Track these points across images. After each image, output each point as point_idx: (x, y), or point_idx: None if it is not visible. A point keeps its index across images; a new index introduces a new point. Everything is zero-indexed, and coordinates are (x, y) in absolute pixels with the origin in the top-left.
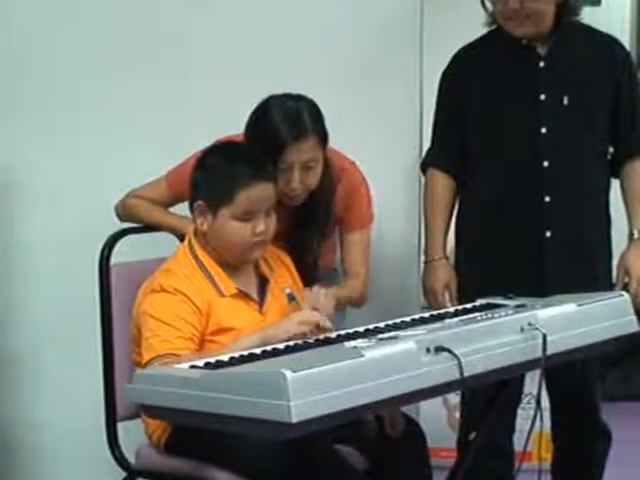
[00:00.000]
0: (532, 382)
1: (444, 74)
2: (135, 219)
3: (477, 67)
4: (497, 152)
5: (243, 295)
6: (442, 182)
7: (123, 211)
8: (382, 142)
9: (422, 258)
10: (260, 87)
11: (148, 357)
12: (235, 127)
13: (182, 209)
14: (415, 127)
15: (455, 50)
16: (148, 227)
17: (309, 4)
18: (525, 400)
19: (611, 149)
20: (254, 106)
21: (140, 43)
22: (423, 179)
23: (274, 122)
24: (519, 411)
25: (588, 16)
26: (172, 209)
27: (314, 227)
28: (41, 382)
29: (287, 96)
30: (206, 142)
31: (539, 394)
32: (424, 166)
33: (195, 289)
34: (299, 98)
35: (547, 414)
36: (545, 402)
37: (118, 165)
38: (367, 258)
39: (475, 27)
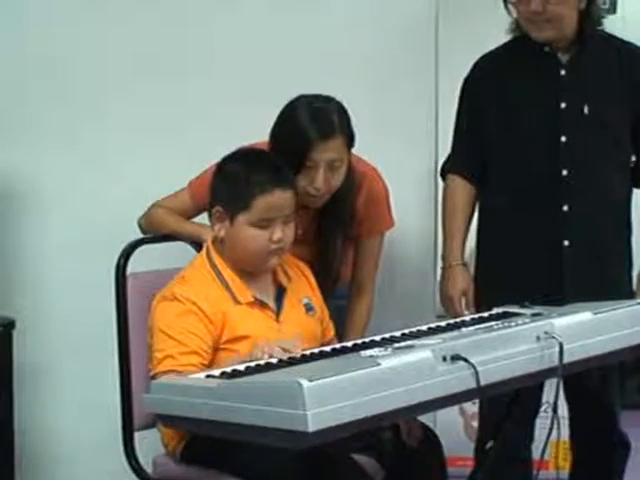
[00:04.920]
0: (551, 390)
1: (465, 81)
2: (154, 228)
3: (498, 74)
4: (516, 160)
5: (259, 303)
6: (462, 188)
7: (145, 222)
8: (398, 147)
9: (439, 265)
10: (275, 92)
11: (153, 372)
12: (258, 130)
13: (203, 219)
14: (431, 132)
15: (470, 55)
16: (165, 237)
17: (323, 10)
18: (543, 409)
19: (634, 158)
20: (270, 110)
21: (157, 45)
22: (440, 184)
23: (302, 119)
24: (537, 420)
25: (604, 24)
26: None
27: (338, 228)
28: (57, 392)
29: (316, 96)
30: (230, 149)
31: (556, 403)
32: (444, 172)
33: (209, 298)
34: (328, 99)
35: (566, 422)
36: (564, 411)
37: (135, 172)
38: (377, 269)
39: (490, 32)
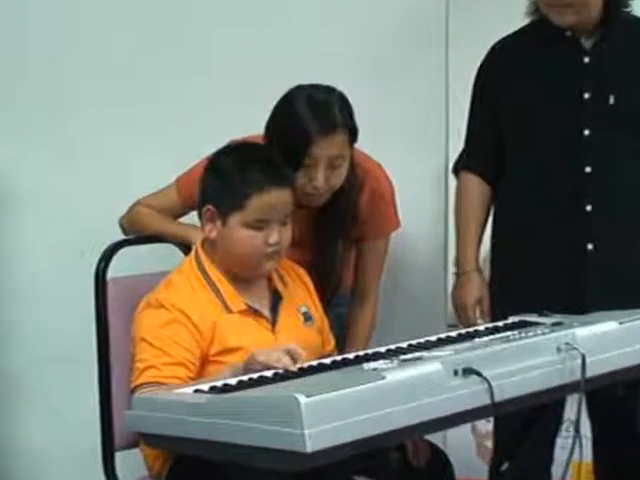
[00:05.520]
0: (573, 407)
1: (479, 69)
2: (138, 229)
3: (515, 61)
4: (534, 155)
5: (253, 312)
6: (476, 187)
7: (127, 221)
8: (407, 144)
9: (450, 270)
10: (280, 88)
11: (132, 384)
12: (248, 128)
13: (193, 220)
14: (441, 128)
15: (482, 47)
16: (150, 238)
17: (328, 4)
18: (564, 427)
19: None
20: (266, 107)
21: (144, 42)
22: (452, 183)
23: (300, 113)
24: (558, 439)
25: (631, 6)
26: (182, 219)
27: (339, 230)
28: (34, 405)
29: (315, 86)
30: (217, 146)
31: (578, 421)
32: (456, 169)
33: (197, 305)
34: (329, 90)
35: (589, 443)
36: (587, 430)
37: (117, 171)
38: (381, 274)
39: (502, 24)
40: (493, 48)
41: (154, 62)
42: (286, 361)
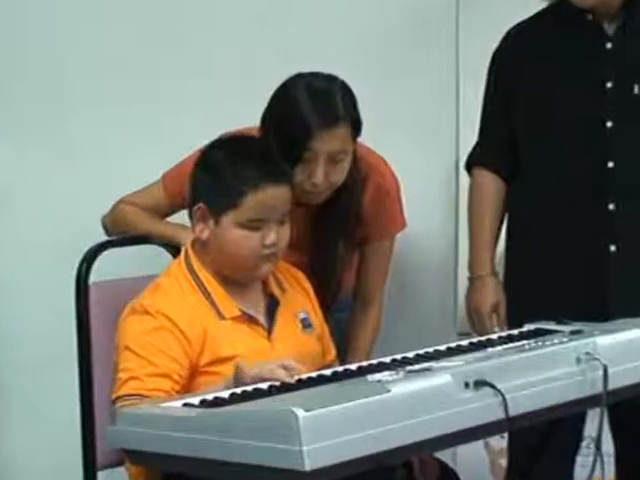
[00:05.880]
0: (594, 422)
1: (494, 56)
2: (123, 229)
3: (531, 46)
4: (551, 149)
5: (247, 318)
6: (491, 184)
7: (110, 221)
8: (414, 136)
9: (460, 274)
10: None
11: (114, 395)
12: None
13: (180, 219)
14: (451, 120)
15: (494, 36)
16: (135, 238)
17: None
18: (585, 444)
19: None
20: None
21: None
22: (462, 180)
23: (300, 103)
24: (578, 457)
25: None
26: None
27: (340, 230)
28: (11, 417)
29: (316, 74)
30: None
31: (599, 437)
32: (469, 164)
33: (186, 311)
34: (331, 78)
35: (611, 460)
36: (610, 447)
37: (117, 171)
38: (386, 277)
39: (514, 17)
40: (508, 33)
41: (154, 62)
42: (280, 373)
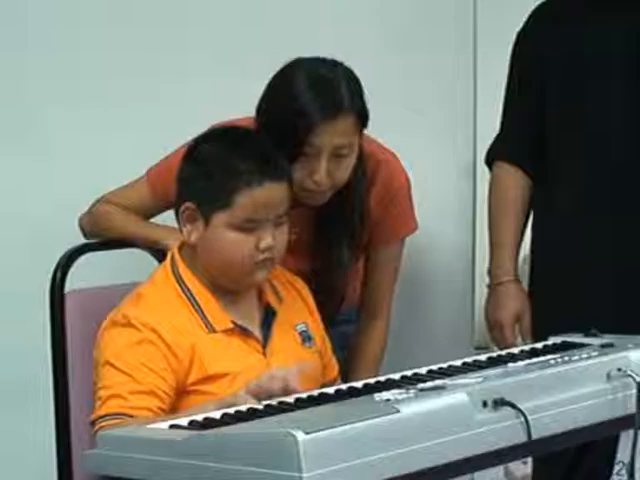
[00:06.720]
0: (627, 446)
1: (518, 37)
2: (102, 231)
3: (562, 26)
4: (587, 144)
5: (240, 331)
6: (513, 179)
7: (88, 222)
8: (426, 134)
9: (478, 280)
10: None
11: (93, 415)
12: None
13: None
14: (469, 114)
15: (514, 24)
16: (116, 242)
17: None
18: (617, 470)
19: None
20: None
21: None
22: (480, 178)
23: (301, 92)
24: None
25: None
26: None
27: (344, 233)
28: None
29: (318, 60)
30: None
31: (632, 463)
32: (490, 159)
33: (173, 324)
34: (334, 64)
35: None
36: None
37: (117, 171)
38: (394, 285)
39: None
40: (536, 10)
41: (154, 62)
42: (246, 398)
